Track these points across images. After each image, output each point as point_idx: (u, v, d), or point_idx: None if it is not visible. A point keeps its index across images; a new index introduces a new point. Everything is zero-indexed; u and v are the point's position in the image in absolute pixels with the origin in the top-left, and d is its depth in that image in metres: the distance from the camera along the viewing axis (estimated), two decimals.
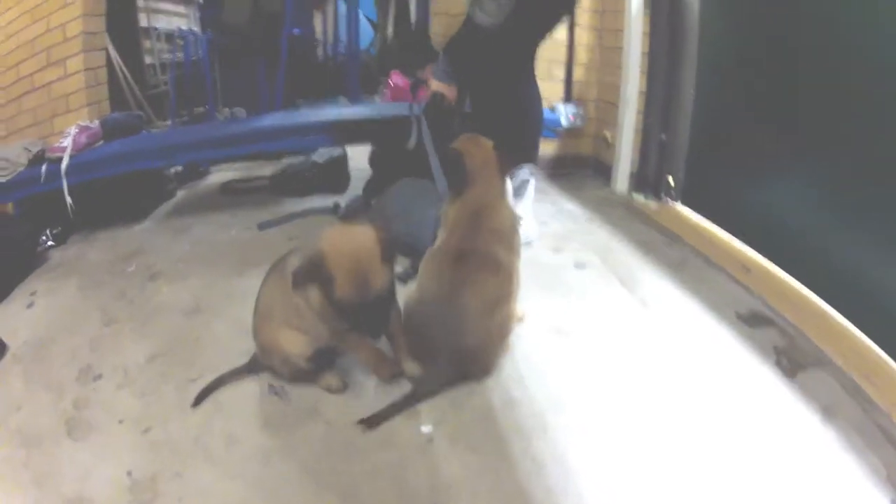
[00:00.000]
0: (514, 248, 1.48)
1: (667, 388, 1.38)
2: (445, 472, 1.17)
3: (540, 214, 2.32)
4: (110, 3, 2.85)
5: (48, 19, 2.64)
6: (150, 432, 1.30)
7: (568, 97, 2.92)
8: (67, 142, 2.32)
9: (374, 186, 2.44)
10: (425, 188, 2.06)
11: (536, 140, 2.14)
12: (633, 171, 2.61)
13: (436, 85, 2.00)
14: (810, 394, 1.33)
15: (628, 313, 1.71)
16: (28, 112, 2.77)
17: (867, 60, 1.45)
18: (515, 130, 2.01)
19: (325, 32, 5.23)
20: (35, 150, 2.37)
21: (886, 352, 1.34)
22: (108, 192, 2.42)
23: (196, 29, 4.95)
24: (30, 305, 1.89)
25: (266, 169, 3.07)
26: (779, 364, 1.44)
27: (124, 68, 3.67)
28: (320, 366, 1.40)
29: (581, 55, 2.86)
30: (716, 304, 1.72)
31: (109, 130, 2.53)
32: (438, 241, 1.51)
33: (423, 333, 1.38)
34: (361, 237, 1.19)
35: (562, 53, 2.85)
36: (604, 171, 2.84)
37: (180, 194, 2.90)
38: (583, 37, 2.83)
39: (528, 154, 2.09)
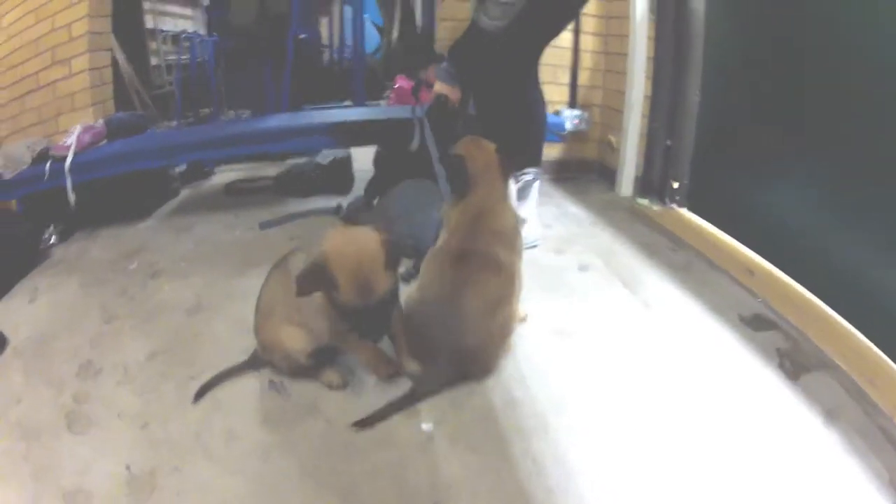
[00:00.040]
0: (516, 250, 1.47)
1: (669, 390, 1.37)
2: (445, 471, 1.16)
3: (544, 217, 2.32)
4: (116, 5, 2.87)
5: (53, 19, 2.65)
6: (150, 428, 1.29)
7: (573, 102, 2.92)
8: (71, 140, 2.33)
9: (375, 187, 2.44)
10: (428, 189, 2.06)
11: (540, 143, 2.14)
12: (637, 175, 2.61)
13: (439, 86, 2.00)
14: (813, 396, 1.32)
15: (631, 315, 1.70)
16: (32, 110, 2.78)
17: (872, 62, 1.44)
18: (519, 133, 2.02)
19: (331, 37, 5.27)
20: (38, 148, 2.38)
21: (889, 355, 1.33)
22: (111, 190, 2.42)
23: (202, 31, 5.00)
24: (32, 301, 1.89)
25: (270, 170, 3.07)
26: (782, 367, 1.44)
27: (130, 69, 3.69)
28: (321, 362, 1.40)
29: (586, 60, 2.87)
30: (719, 306, 1.71)
31: (114, 130, 2.54)
32: (440, 242, 1.51)
33: (423, 333, 1.37)
34: (365, 241, 1.18)
35: (567, 58, 2.86)
36: (608, 176, 2.84)
37: (184, 193, 2.91)
38: (588, 42, 2.84)
39: (531, 157, 2.09)
